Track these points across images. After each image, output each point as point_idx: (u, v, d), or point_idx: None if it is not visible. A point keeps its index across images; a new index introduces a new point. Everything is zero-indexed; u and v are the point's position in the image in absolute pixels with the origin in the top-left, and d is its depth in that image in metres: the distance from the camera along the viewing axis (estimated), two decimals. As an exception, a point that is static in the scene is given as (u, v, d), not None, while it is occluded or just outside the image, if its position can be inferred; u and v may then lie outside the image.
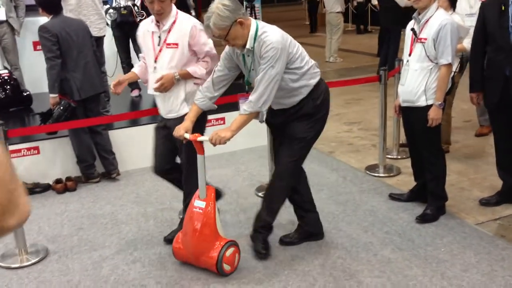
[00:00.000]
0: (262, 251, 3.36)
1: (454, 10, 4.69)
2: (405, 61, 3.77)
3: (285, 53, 2.97)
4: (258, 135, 5.57)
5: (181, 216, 3.72)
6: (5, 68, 6.37)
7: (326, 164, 5.09)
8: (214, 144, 3.01)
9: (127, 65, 6.29)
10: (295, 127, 3.23)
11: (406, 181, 4.46)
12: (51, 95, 4.33)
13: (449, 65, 3.53)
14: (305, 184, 3.56)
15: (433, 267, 3.18)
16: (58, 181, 4.68)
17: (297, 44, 3.12)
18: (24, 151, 4.66)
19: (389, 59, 8.26)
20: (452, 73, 4.17)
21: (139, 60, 3.60)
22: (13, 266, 3.41)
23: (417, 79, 3.62)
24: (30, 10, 6.42)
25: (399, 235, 3.59)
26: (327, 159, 5.22)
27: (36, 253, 3.52)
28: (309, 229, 3.57)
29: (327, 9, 10.80)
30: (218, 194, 3.74)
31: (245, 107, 3.04)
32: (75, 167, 4.81)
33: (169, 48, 3.28)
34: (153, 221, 4.01)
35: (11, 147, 4.53)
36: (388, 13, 8.61)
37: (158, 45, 3.31)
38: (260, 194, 4.39)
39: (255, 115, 3.05)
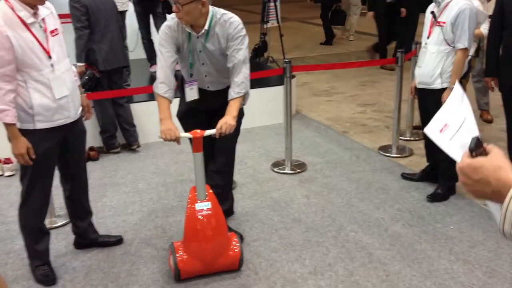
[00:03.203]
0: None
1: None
2: (423, 44, 3.86)
3: None
4: (274, 113, 5.73)
5: None
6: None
7: (340, 143, 5.22)
8: (221, 135, 2.88)
9: (147, 41, 6.41)
10: None
11: (418, 162, 4.59)
12: (78, 64, 4.49)
13: (465, 50, 3.62)
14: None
15: (441, 243, 3.33)
16: (81, 150, 4.85)
17: None
18: (49, 120, 4.82)
19: (406, 42, 8.27)
20: (469, 57, 4.26)
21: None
22: (42, 227, 3.60)
23: (434, 62, 3.72)
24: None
25: (410, 212, 3.73)
26: (341, 139, 5.35)
27: (63, 216, 3.71)
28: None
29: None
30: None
31: (237, 89, 2.97)
32: (97, 138, 4.98)
33: (55, 36, 2.81)
34: (173, 191, 4.18)
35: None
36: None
37: (45, 36, 2.75)
38: (275, 169, 4.55)
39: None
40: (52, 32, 2.79)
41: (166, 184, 4.34)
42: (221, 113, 2.96)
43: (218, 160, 3.28)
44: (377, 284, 2.93)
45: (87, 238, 3.34)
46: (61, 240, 3.46)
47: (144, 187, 4.29)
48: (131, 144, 5.01)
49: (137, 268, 3.13)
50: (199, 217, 2.89)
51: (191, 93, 3.13)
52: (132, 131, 5.00)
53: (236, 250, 3.01)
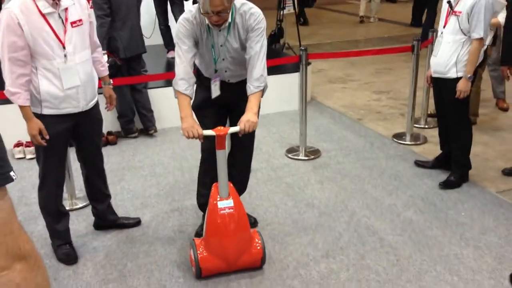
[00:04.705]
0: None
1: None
2: (439, 33, 3.87)
3: None
4: (290, 99, 5.79)
5: None
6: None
7: (355, 130, 5.26)
8: (245, 132, 2.82)
9: (164, 27, 6.47)
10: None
11: (431, 150, 4.62)
12: (99, 51, 4.58)
13: (481, 40, 3.63)
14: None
15: (452, 229, 3.38)
16: (100, 134, 4.97)
17: None
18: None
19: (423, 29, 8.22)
20: (485, 46, 4.26)
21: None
22: (63, 209, 3.73)
23: (449, 51, 3.73)
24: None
25: (422, 199, 3.79)
26: (355, 126, 5.39)
27: (83, 198, 3.82)
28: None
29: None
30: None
31: (256, 83, 2.90)
32: (115, 123, 5.10)
33: (76, 27, 2.83)
34: (189, 176, 4.28)
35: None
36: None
37: (64, 27, 2.78)
38: (290, 155, 4.63)
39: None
40: (73, 23, 2.82)
41: (182, 168, 4.44)
42: (241, 105, 2.93)
43: (238, 157, 3.31)
44: (388, 268, 3.00)
45: (106, 220, 3.45)
46: (81, 221, 3.59)
47: (161, 171, 4.39)
48: (148, 129, 5.11)
49: (155, 249, 3.24)
50: (221, 215, 2.85)
51: (216, 89, 3.08)
52: (149, 116, 5.10)
53: (258, 248, 2.96)
